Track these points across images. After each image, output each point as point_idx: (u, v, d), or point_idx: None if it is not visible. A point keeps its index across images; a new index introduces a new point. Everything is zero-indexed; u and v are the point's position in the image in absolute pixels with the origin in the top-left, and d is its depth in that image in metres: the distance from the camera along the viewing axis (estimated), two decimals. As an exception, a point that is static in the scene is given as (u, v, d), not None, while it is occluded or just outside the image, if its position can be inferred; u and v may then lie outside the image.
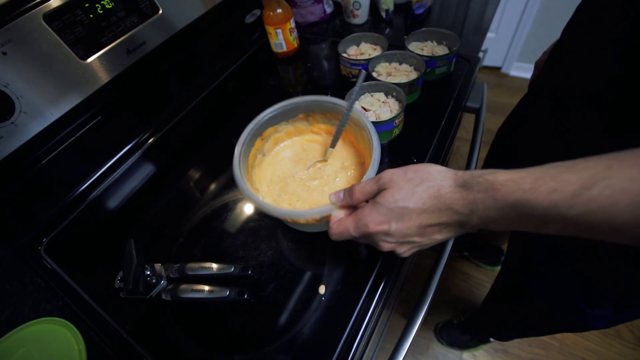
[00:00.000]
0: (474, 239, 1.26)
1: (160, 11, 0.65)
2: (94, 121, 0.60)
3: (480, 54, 0.88)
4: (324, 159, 0.52)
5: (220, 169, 0.61)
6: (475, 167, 0.69)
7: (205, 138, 0.68)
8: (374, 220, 0.31)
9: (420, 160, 0.55)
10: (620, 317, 0.45)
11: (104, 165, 0.64)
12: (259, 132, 0.51)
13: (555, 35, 0.50)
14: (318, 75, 0.79)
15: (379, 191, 0.32)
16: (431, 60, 0.67)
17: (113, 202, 0.59)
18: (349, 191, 0.35)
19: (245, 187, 0.42)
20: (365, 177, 0.41)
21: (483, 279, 1.25)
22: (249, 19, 0.93)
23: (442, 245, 0.53)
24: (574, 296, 0.46)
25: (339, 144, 0.53)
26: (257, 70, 0.84)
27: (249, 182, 0.46)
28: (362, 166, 0.50)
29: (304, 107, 0.52)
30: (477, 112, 0.72)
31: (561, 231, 0.24)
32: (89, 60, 0.56)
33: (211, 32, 0.82)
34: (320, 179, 0.50)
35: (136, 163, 0.65)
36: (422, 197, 0.29)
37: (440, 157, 0.56)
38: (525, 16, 1.68)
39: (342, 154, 0.52)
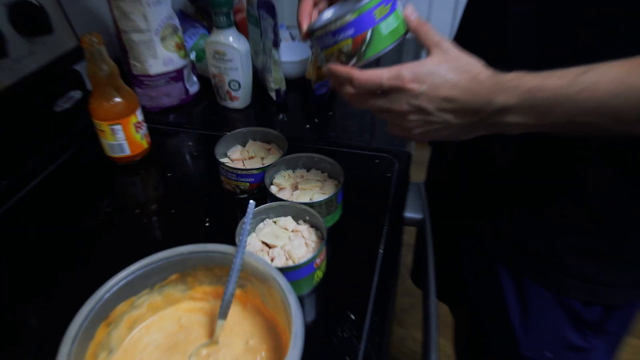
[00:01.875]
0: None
1: None
2: None
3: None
4: (213, 341, 0.51)
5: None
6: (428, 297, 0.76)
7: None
8: (412, 76, 0.49)
9: (361, 312, 0.59)
10: (616, 325, 0.66)
11: None
12: (101, 315, 0.48)
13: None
14: (187, 191, 0.82)
15: (428, 48, 0.52)
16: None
17: None
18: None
19: None
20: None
21: None
22: (62, 105, 0.95)
23: None
24: (564, 331, 0.66)
25: (238, 313, 0.54)
26: (80, 186, 0.83)
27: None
28: (278, 343, 0.50)
29: (177, 264, 0.53)
30: (419, 224, 0.82)
31: (567, 117, 0.45)
32: None
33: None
34: (214, 376, 0.49)
35: None
36: (462, 74, 0.49)
37: (388, 305, 0.62)
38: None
39: (244, 329, 0.52)
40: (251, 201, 0.56)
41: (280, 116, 1.03)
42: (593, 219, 0.60)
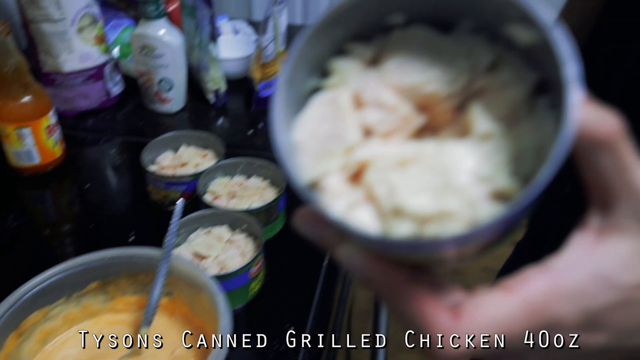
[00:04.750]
0: None
1: None
2: None
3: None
4: (136, 351, 0.61)
5: None
6: (386, 329, 0.87)
7: None
8: (581, 318, 0.28)
9: (301, 324, 0.70)
10: None
11: None
12: (11, 325, 0.58)
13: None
14: (108, 205, 0.93)
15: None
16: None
17: None
18: None
19: None
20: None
21: None
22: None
23: None
24: None
25: (164, 323, 0.64)
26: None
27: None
28: (207, 352, 0.61)
29: (98, 270, 0.63)
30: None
31: None
32: None
33: None
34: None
35: None
36: None
37: (330, 319, 0.73)
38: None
39: (170, 339, 0.63)
40: (181, 199, 0.67)
41: (219, 121, 1.15)
42: None
